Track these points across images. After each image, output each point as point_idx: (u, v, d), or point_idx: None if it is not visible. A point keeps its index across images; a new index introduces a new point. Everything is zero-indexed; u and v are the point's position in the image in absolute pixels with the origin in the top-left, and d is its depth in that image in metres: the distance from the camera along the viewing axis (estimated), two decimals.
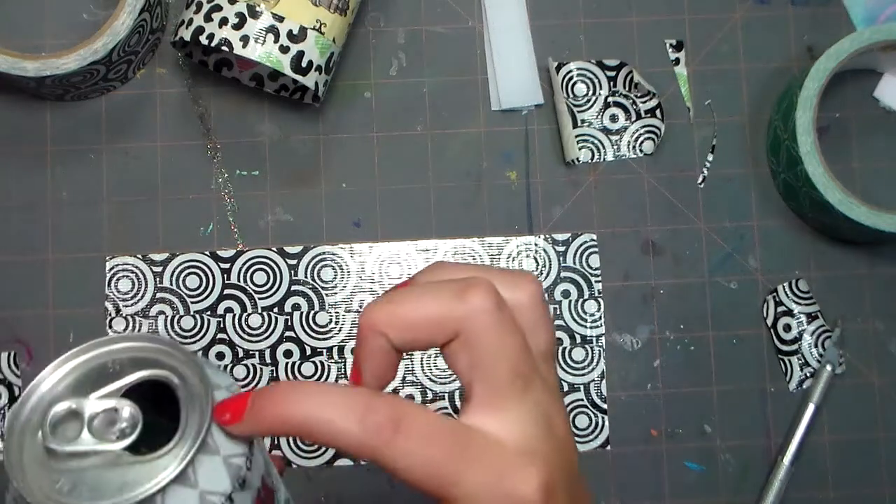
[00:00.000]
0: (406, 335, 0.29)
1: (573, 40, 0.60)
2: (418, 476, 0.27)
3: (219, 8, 0.51)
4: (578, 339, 0.57)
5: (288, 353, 0.57)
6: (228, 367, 0.56)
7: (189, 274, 0.57)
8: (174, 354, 0.29)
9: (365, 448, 0.27)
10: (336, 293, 0.57)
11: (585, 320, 0.58)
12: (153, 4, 0.55)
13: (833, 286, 0.59)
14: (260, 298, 0.57)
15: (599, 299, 0.58)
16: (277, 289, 0.57)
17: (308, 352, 0.57)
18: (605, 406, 0.57)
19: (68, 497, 0.26)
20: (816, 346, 0.58)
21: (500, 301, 0.29)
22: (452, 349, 0.29)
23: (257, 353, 0.57)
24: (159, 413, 0.29)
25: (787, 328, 0.58)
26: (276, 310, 0.57)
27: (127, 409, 0.27)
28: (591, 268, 0.58)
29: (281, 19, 0.51)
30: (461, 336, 0.29)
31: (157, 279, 0.57)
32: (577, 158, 0.58)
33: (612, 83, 0.59)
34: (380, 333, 0.29)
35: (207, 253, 0.57)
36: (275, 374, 0.57)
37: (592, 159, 0.59)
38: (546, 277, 0.58)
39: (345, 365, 0.57)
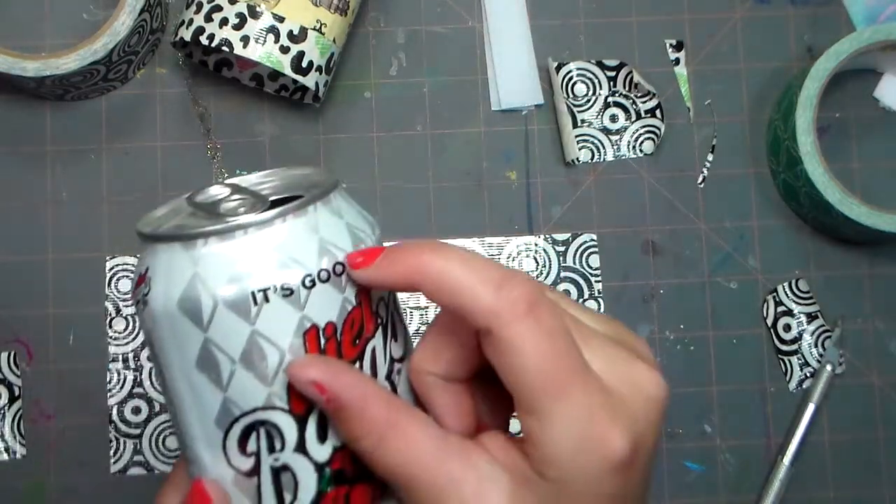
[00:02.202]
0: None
1: (573, 40, 0.59)
2: (532, 367, 0.26)
3: (219, 8, 0.51)
4: None
5: None
6: None
7: None
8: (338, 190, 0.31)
9: (491, 316, 0.26)
10: None
11: None
12: (153, 4, 0.55)
13: (833, 286, 0.59)
14: None
15: (599, 299, 0.58)
16: None
17: None
18: None
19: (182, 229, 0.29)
20: (816, 345, 0.58)
21: (536, 298, 0.27)
22: (484, 347, 0.28)
23: None
24: None
25: (787, 328, 0.58)
26: None
27: (262, 203, 0.29)
28: (591, 268, 0.58)
29: (281, 19, 0.51)
30: (490, 334, 0.27)
31: None
32: (577, 158, 0.58)
33: (612, 83, 0.59)
34: (426, 373, 0.29)
35: None
36: None
37: (592, 159, 0.59)
38: (546, 277, 0.58)
39: None
